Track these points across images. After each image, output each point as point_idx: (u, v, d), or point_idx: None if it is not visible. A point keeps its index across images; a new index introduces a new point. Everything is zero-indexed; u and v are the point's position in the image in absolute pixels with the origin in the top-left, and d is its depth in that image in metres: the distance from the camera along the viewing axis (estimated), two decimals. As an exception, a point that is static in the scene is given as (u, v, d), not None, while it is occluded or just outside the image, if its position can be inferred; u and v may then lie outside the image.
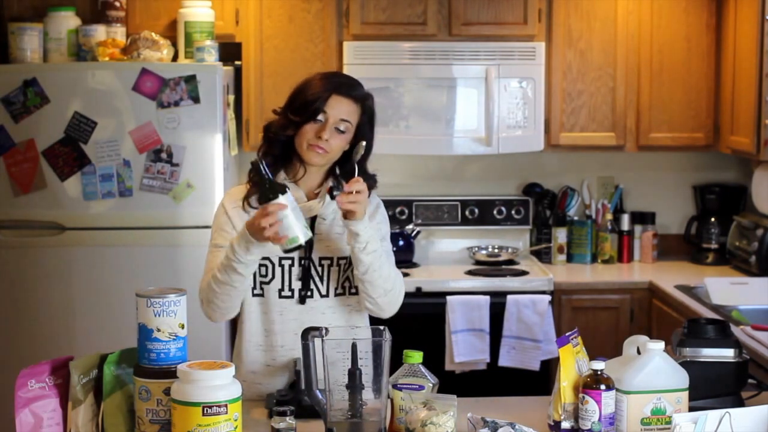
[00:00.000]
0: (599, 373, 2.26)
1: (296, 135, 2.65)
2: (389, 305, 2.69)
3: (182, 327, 2.14)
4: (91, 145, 4.07)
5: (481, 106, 4.53)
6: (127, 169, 4.08)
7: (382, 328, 2.34)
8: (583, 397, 2.26)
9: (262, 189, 2.49)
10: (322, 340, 2.29)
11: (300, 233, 2.46)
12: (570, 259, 4.82)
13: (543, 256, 4.83)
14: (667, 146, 4.69)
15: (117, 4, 4.41)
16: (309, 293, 2.69)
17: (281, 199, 2.45)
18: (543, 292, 4.35)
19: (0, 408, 2.99)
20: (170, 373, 2.11)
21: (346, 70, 4.46)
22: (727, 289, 3.99)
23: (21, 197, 4.08)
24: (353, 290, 2.71)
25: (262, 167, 2.50)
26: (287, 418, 2.23)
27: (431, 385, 2.32)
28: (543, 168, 4.95)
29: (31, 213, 4.09)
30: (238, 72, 4.54)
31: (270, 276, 2.68)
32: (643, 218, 4.89)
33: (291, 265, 2.68)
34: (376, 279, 2.62)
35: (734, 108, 4.44)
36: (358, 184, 2.53)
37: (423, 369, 2.35)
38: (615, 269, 4.74)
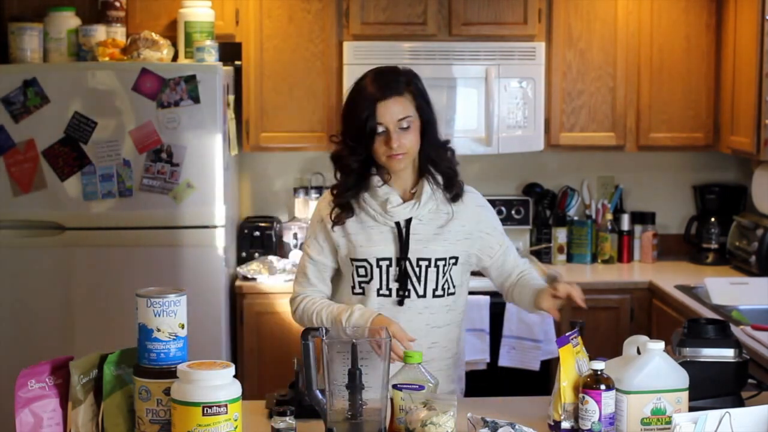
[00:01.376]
0: (599, 373, 2.26)
1: (372, 154, 2.66)
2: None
3: (182, 327, 2.14)
4: (91, 145, 4.07)
5: (481, 106, 4.53)
6: (127, 169, 4.08)
7: (382, 328, 2.35)
8: (583, 397, 2.26)
9: None
10: (322, 340, 2.29)
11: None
12: (570, 259, 4.82)
13: (543, 256, 4.83)
14: (667, 146, 4.69)
15: (117, 4, 4.41)
16: (406, 293, 2.70)
17: None
18: (543, 292, 4.34)
19: (0, 408, 2.98)
20: (170, 373, 2.10)
21: (346, 70, 4.47)
22: (727, 289, 3.99)
23: (21, 197, 4.08)
24: (452, 290, 2.74)
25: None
26: (287, 418, 2.23)
27: (431, 385, 2.32)
28: (543, 168, 4.95)
29: (31, 213, 4.09)
30: (238, 72, 4.54)
31: (369, 276, 2.70)
32: (643, 218, 4.89)
33: (389, 266, 2.70)
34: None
35: (734, 108, 4.44)
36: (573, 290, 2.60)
37: (423, 369, 2.35)
38: (615, 269, 4.74)
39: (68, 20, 4.33)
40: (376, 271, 2.70)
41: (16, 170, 4.07)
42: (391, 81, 2.65)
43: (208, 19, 4.40)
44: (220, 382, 2.07)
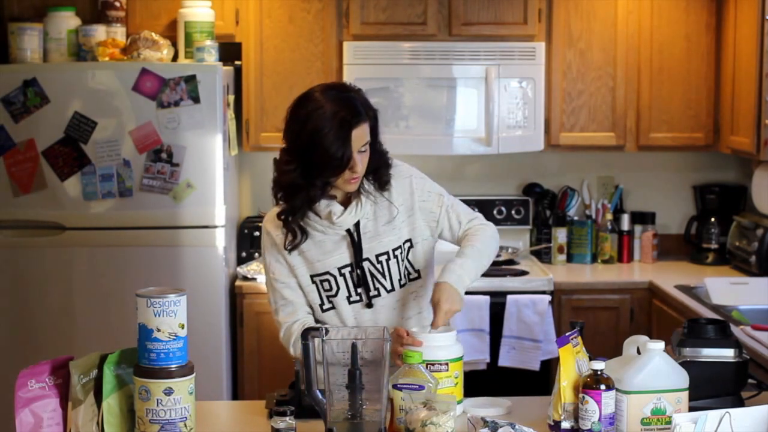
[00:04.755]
0: (599, 373, 2.26)
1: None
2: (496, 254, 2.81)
3: (182, 327, 2.13)
4: (91, 145, 4.07)
5: (481, 106, 4.53)
6: (127, 169, 4.08)
7: (382, 327, 2.35)
8: (583, 397, 2.26)
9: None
10: (322, 340, 2.29)
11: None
12: (570, 259, 4.82)
13: (543, 256, 4.83)
14: (667, 146, 4.69)
15: (117, 4, 4.41)
16: (377, 292, 2.70)
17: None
18: (543, 292, 4.35)
19: (0, 408, 2.98)
20: (170, 373, 2.11)
21: (346, 70, 4.47)
22: (727, 289, 3.99)
23: (21, 197, 4.08)
24: (412, 275, 2.73)
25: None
26: (287, 418, 2.23)
27: (431, 385, 2.32)
28: (543, 168, 4.95)
29: (31, 213, 4.09)
30: (238, 72, 4.54)
31: (334, 288, 2.69)
32: (643, 218, 4.89)
33: (351, 272, 2.68)
34: (487, 264, 2.75)
35: (734, 108, 4.44)
36: (442, 318, 2.54)
37: (423, 369, 2.35)
38: (615, 269, 4.74)
39: (68, 20, 4.33)
40: (340, 280, 2.68)
41: (16, 170, 4.07)
42: (357, 107, 2.55)
43: (208, 19, 4.40)
44: (442, 344, 2.43)
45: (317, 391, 2.36)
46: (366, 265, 2.68)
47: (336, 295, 2.69)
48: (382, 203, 2.71)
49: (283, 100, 4.54)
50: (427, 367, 2.36)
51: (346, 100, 2.56)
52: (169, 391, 2.09)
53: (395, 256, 2.69)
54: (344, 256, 2.68)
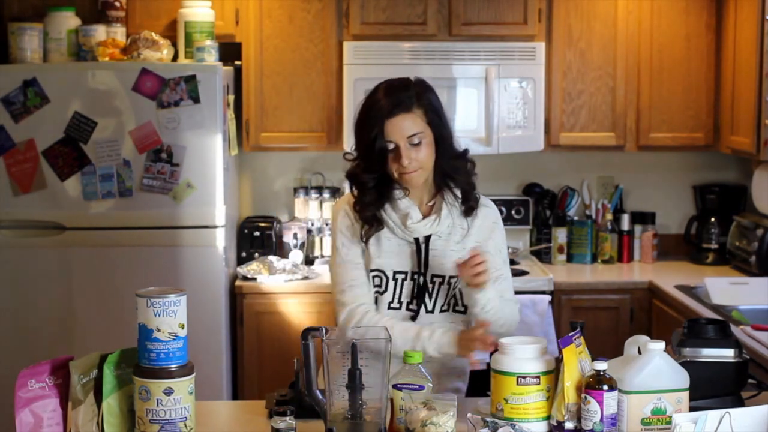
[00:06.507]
0: (602, 373, 2.26)
1: (386, 170, 2.63)
2: (504, 335, 2.65)
3: (182, 327, 2.13)
4: (91, 145, 4.07)
5: (481, 106, 4.53)
6: (127, 169, 4.08)
7: (382, 327, 2.35)
8: (585, 398, 2.26)
9: None
10: (322, 340, 2.29)
11: None
12: (570, 259, 4.82)
13: (543, 256, 4.83)
14: (667, 146, 4.69)
15: (117, 4, 4.41)
16: (416, 309, 2.69)
17: None
18: (543, 292, 4.35)
19: (0, 408, 2.98)
20: (170, 373, 2.10)
21: (346, 70, 4.47)
22: (727, 289, 3.99)
23: (21, 197, 4.08)
24: (458, 308, 2.72)
25: None
26: (287, 418, 2.23)
27: (431, 385, 2.32)
28: (543, 168, 4.94)
29: (31, 213, 4.09)
30: (238, 72, 4.54)
31: (383, 288, 2.69)
32: (643, 218, 4.89)
33: (404, 280, 2.69)
34: (493, 328, 2.66)
35: (734, 108, 4.44)
36: (478, 258, 2.52)
37: (423, 369, 2.35)
38: (615, 269, 4.74)
39: (68, 20, 4.33)
40: (391, 283, 2.69)
41: (16, 170, 4.07)
42: (401, 96, 2.60)
43: (208, 19, 4.40)
44: (532, 356, 2.31)
45: (317, 391, 2.36)
46: (420, 280, 2.68)
47: (382, 294, 2.69)
48: (458, 226, 2.71)
49: (283, 100, 4.55)
50: (517, 381, 2.31)
51: (394, 88, 2.62)
52: (169, 391, 2.09)
53: (449, 284, 2.68)
54: (404, 263, 2.68)
